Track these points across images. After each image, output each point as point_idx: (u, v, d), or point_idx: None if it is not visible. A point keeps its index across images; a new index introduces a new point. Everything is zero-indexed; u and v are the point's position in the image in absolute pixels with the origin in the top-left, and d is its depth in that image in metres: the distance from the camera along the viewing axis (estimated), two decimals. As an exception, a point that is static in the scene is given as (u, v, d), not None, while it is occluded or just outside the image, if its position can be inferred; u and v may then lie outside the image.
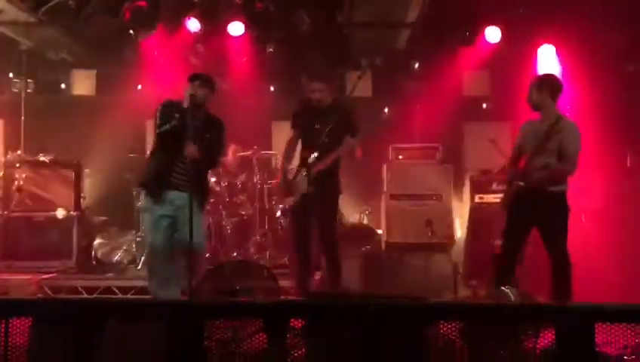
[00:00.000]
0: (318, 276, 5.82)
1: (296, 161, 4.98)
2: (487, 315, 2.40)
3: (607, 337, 2.42)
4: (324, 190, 4.62)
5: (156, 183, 4.33)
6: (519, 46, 6.98)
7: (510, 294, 3.82)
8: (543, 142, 4.26)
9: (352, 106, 5.11)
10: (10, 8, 6.25)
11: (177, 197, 4.25)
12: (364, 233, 6.70)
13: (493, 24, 6.75)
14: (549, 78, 4.57)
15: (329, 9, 6.69)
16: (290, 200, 4.84)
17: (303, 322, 2.55)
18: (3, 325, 2.23)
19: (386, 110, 7.86)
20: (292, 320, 2.36)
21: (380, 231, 6.78)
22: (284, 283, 4.89)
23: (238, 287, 4.14)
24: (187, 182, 4.19)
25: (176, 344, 2.18)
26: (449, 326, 2.43)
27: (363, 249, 6.35)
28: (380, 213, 6.88)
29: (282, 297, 4.57)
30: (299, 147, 4.98)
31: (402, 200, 6.57)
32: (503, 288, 3.92)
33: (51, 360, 2.36)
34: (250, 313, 2.30)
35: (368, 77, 7.64)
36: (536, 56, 6.99)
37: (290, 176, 4.88)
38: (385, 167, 6.73)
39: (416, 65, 7.52)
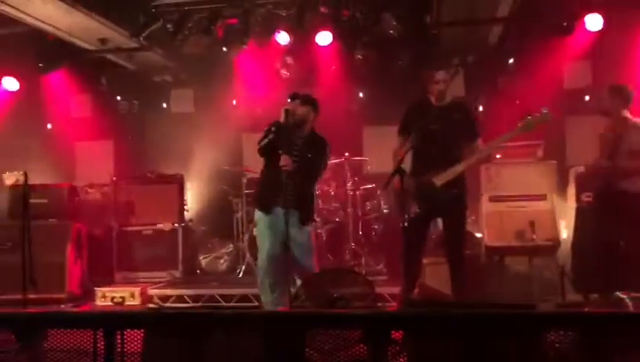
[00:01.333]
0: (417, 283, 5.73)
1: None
2: (606, 324, 2.22)
3: None
4: (451, 201, 4.31)
5: (265, 197, 4.51)
6: (622, 33, 6.52)
7: (627, 300, 3.55)
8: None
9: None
10: (115, 36, 6.72)
11: (285, 211, 4.35)
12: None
13: (593, 11, 6.35)
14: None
15: (416, 10, 6.58)
16: (411, 211, 4.34)
17: (404, 332, 2.51)
18: (118, 337, 2.37)
19: (480, 108, 7.61)
20: (393, 331, 2.32)
21: (479, 235, 6.55)
22: (380, 290, 4.85)
23: (335, 295, 4.15)
24: (293, 196, 4.31)
25: (277, 353, 2.22)
26: (560, 336, 2.28)
27: (468, 252, 6.16)
28: (478, 215, 6.66)
29: (380, 304, 4.54)
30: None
31: (502, 201, 6.30)
32: (618, 294, 3.65)
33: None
34: (351, 323, 2.29)
35: (460, 76, 7.45)
36: (640, 43, 6.51)
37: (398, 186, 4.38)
38: (483, 167, 6.49)
39: (511, 61, 7.23)
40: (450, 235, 4.40)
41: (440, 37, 7.15)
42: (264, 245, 4.51)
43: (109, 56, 7.42)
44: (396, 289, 5.71)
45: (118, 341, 2.41)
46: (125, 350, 2.37)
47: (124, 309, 5.47)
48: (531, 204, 6.16)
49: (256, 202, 4.68)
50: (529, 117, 4.29)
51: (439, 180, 4.25)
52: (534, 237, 5.85)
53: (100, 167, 7.87)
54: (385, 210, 6.78)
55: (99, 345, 2.33)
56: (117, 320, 2.39)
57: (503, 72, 7.34)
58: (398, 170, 4.00)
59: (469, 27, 7.11)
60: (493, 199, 6.33)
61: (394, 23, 6.41)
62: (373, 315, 2.40)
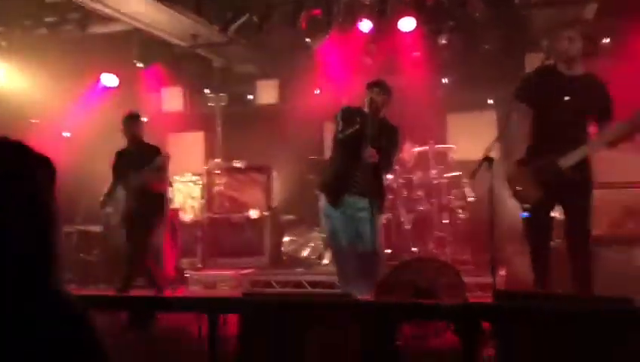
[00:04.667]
0: (503, 272, 5.60)
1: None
2: None
3: None
4: (579, 187, 3.75)
5: (336, 188, 4.47)
6: None
7: None
8: None
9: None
10: (204, 32, 6.99)
11: (356, 202, 4.38)
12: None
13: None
14: None
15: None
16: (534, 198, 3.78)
17: (494, 323, 2.49)
18: (215, 321, 2.51)
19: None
20: (482, 322, 2.32)
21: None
22: (466, 279, 4.78)
23: (423, 285, 4.15)
24: (365, 186, 4.30)
25: (370, 343, 2.27)
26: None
27: (553, 243, 5.94)
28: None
29: (467, 294, 4.48)
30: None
31: (596, 188, 6.00)
32: None
33: (258, 354, 2.60)
34: (441, 315, 2.30)
35: (551, 58, 7.12)
36: None
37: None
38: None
39: (607, 41, 6.83)
40: (574, 226, 3.84)
41: (530, 18, 6.87)
42: (337, 237, 4.47)
43: (198, 51, 7.72)
44: (482, 279, 5.63)
45: (214, 326, 2.54)
46: (225, 333, 2.51)
47: (224, 295, 5.72)
48: (629, 191, 5.82)
49: (327, 194, 4.48)
50: None
51: (565, 162, 3.66)
52: (633, 225, 5.55)
53: (192, 157, 8.26)
54: (470, 199, 6.65)
55: (202, 327, 2.48)
56: (220, 304, 2.53)
57: (598, 53, 6.95)
58: (487, 158, 3.65)
59: (560, 7, 6.78)
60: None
61: (481, 4, 6.23)
62: (464, 307, 2.39)
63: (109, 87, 8.01)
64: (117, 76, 7.94)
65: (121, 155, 5.39)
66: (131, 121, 5.33)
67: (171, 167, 6.12)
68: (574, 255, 3.87)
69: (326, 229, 4.69)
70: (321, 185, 4.68)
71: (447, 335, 2.73)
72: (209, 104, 8.48)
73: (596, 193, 5.91)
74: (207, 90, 8.48)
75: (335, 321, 2.32)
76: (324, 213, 4.57)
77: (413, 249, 6.39)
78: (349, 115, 4.41)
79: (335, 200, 4.46)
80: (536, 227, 3.88)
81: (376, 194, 4.40)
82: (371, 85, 4.43)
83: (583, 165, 3.76)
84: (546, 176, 3.70)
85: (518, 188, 3.83)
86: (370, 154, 4.22)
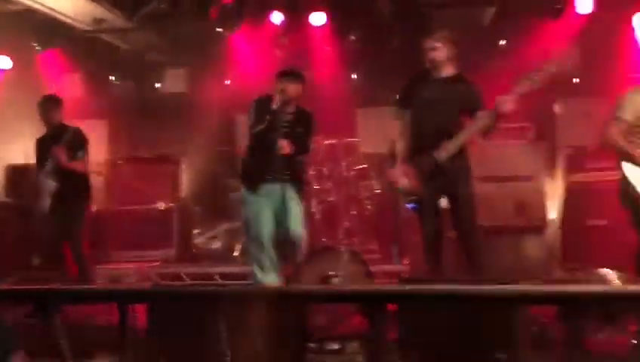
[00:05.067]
0: (407, 262, 5.88)
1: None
2: (583, 299, 2.36)
3: None
4: (457, 175, 4.04)
5: (254, 175, 4.51)
6: (612, 15, 6.60)
7: (610, 276, 3.69)
8: None
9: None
10: (109, 16, 6.71)
11: (275, 189, 4.44)
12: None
13: (583, -6, 6.43)
14: None
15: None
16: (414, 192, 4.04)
17: (398, 307, 2.64)
18: (125, 311, 2.47)
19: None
20: (388, 305, 2.45)
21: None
22: (374, 268, 4.98)
23: (331, 273, 4.28)
24: (283, 173, 4.37)
25: (279, 328, 2.33)
26: (543, 310, 2.42)
27: (449, 234, 6.30)
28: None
29: (374, 281, 4.67)
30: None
31: (491, 182, 6.42)
32: (603, 270, 3.80)
33: (167, 342, 2.59)
34: (351, 299, 2.41)
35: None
36: (630, 25, 6.59)
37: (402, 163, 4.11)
38: (472, 149, 6.59)
39: (503, 43, 7.30)
40: (461, 212, 4.08)
41: (431, 17, 7.19)
42: (257, 224, 4.50)
43: (103, 36, 7.41)
44: (388, 267, 5.88)
45: (124, 316, 2.50)
46: (135, 324, 2.47)
47: (133, 286, 5.56)
48: (520, 184, 6.29)
49: (246, 182, 4.57)
50: (535, 70, 3.94)
51: (442, 154, 3.98)
52: (522, 217, 6.00)
53: (94, 147, 7.89)
54: (378, 191, 6.90)
55: (112, 318, 2.43)
56: (129, 295, 2.49)
57: (494, 54, 7.41)
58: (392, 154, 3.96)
59: (461, 9, 7.16)
60: (482, 180, 6.43)
61: (388, 2, 6.44)
62: (369, 291, 2.51)
63: (1, 69, 7.49)
64: (11, 58, 7.44)
65: (40, 142, 5.11)
66: (47, 104, 5.06)
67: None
68: (464, 242, 4.11)
69: (244, 217, 4.70)
70: (240, 174, 4.71)
71: (354, 320, 2.85)
72: (114, 92, 8.16)
73: (489, 186, 6.38)
74: (112, 77, 8.15)
75: (244, 309, 2.37)
76: (242, 201, 4.61)
77: (322, 239, 6.54)
78: (261, 107, 4.43)
79: (254, 186, 4.49)
80: (425, 218, 4.10)
81: (295, 179, 4.47)
82: (283, 74, 4.47)
83: (460, 155, 4.05)
84: (426, 169, 4.00)
85: (401, 183, 4.09)
86: (282, 146, 4.28)
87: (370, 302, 2.31)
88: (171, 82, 8.37)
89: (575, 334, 2.47)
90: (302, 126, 4.53)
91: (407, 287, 2.65)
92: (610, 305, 2.54)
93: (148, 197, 7.07)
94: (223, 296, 2.41)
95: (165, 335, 2.46)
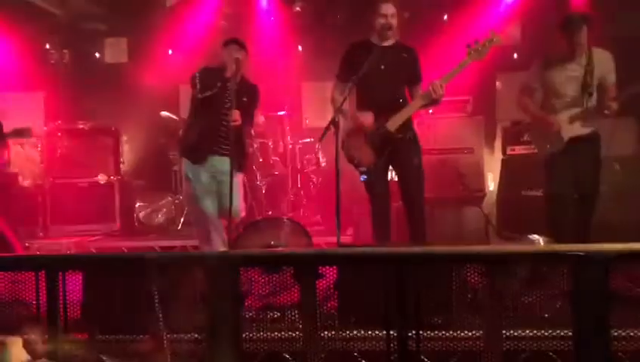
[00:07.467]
0: (350, 232, 5.97)
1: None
2: (511, 259, 2.48)
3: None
4: (407, 144, 4.09)
5: (200, 148, 4.43)
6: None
7: (539, 241, 3.88)
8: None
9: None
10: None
11: (218, 161, 4.39)
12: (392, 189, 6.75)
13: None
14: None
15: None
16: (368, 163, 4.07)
17: (335, 274, 2.70)
18: (60, 278, 2.42)
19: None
20: (322, 269, 2.50)
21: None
22: (317, 240, 5.04)
23: (272, 242, 4.31)
24: (227, 146, 4.31)
25: (215, 291, 2.35)
26: (473, 270, 2.54)
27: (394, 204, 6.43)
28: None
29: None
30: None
31: (432, 154, 6.57)
32: (531, 236, 3.98)
33: (103, 310, 2.57)
34: (282, 261, 2.44)
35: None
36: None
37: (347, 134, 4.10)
38: (414, 122, 6.72)
39: (445, 17, 7.41)
40: (409, 181, 4.15)
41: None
42: (199, 196, 4.46)
43: (37, 2, 7.08)
44: (332, 239, 5.95)
45: (59, 283, 2.45)
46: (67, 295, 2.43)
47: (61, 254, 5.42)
48: (460, 156, 6.47)
49: (192, 153, 4.48)
50: (477, 42, 3.94)
51: (392, 125, 3.99)
52: (462, 188, 6.19)
53: (30, 119, 7.59)
54: (323, 164, 6.94)
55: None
56: (59, 262, 2.44)
57: (436, 28, 7.51)
58: (334, 122, 3.88)
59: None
60: (425, 152, 6.57)
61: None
62: (302, 254, 2.56)
63: None
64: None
65: None
66: None
67: (6, 129, 5.63)
68: (410, 211, 4.21)
69: (187, 192, 4.63)
70: (182, 147, 4.62)
71: (292, 292, 2.88)
72: (50, 62, 7.84)
73: (432, 158, 6.52)
74: (48, 46, 7.82)
75: (178, 273, 2.37)
76: (185, 175, 4.54)
77: (268, 212, 6.55)
78: (207, 76, 4.35)
79: (200, 159, 4.41)
80: (376, 188, 4.18)
81: (239, 153, 4.41)
82: (229, 42, 4.41)
83: (408, 126, 4.12)
84: (376, 139, 4.04)
85: (352, 154, 4.12)
86: (235, 117, 4.22)
87: (301, 265, 2.36)
88: (111, 52, 8.11)
89: (501, 293, 2.60)
90: (247, 97, 4.49)
91: (341, 250, 2.71)
92: (536, 265, 2.67)
93: (88, 171, 6.87)
94: (158, 262, 2.40)
95: (98, 302, 2.44)
